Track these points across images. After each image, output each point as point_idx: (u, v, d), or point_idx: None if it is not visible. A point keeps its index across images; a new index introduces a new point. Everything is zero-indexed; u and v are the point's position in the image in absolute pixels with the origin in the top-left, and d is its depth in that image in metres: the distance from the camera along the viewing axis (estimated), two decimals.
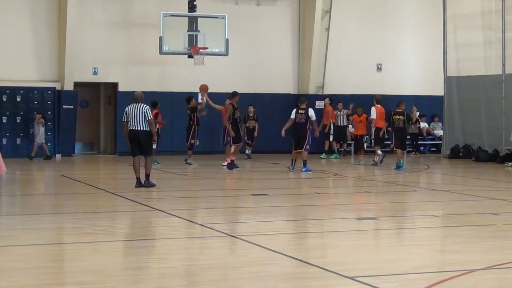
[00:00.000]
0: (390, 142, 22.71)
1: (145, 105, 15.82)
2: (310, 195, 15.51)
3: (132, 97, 16.10)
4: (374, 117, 22.29)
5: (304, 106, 20.13)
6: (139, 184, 15.82)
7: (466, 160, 25.20)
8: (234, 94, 21.30)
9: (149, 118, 15.71)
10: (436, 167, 23.33)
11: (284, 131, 20.41)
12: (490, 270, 8.14)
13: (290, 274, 8.09)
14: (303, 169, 19.89)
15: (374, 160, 22.30)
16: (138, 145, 15.81)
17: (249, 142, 24.69)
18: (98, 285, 7.46)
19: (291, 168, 20.28)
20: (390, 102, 29.13)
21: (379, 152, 22.34)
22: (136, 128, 15.66)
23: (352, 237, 10.63)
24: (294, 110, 20.38)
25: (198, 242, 10.08)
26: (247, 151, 24.91)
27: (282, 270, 8.21)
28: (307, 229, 11.42)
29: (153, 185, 15.90)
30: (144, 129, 15.66)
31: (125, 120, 15.83)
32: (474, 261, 8.60)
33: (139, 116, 15.61)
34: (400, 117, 21.37)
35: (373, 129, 22.39)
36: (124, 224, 11.87)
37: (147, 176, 15.91)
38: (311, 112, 20.11)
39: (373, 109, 22.45)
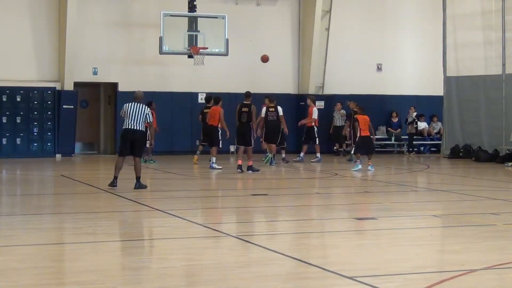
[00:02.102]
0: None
1: (146, 106, 15.68)
2: (310, 195, 15.51)
3: (134, 96, 15.84)
4: (316, 117, 23.72)
5: (273, 105, 21.96)
6: (116, 184, 15.50)
7: (466, 160, 25.20)
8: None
9: (150, 120, 15.61)
10: (436, 167, 23.33)
11: (260, 130, 22.14)
12: (490, 270, 8.14)
13: (290, 274, 8.10)
14: (267, 161, 21.93)
15: (299, 156, 23.69)
16: (131, 145, 15.52)
17: (282, 145, 23.20)
18: (98, 285, 7.46)
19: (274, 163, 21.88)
20: (390, 102, 29.29)
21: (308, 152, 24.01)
22: (134, 128, 15.42)
23: (352, 237, 10.64)
24: (264, 108, 22.13)
25: (198, 242, 10.07)
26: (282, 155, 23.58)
27: (282, 270, 8.21)
28: (307, 229, 11.41)
29: (144, 187, 15.63)
30: (142, 129, 15.49)
31: (121, 115, 15.74)
32: (474, 261, 8.60)
33: (139, 116, 15.41)
34: None
35: (316, 128, 23.96)
36: (124, 224, 11.87)
37: (139, 178, 15.57)
38: (280, 109, 21.99)
39: (315, 110, 23.80)
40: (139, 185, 15.55)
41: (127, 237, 10.58)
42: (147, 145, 22.56)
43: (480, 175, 20.27)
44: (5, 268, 8.09)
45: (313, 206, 13.83)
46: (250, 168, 19.76)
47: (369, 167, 20.26)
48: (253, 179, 18.60)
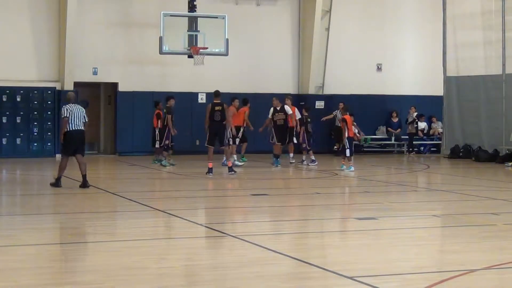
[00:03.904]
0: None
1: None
2: (310, 195, 15.50)
3: (68, 98, 16.16)
4: (290, 112, 23.03)
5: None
6: (60, 184, 15.81)
7: (466, 160, 25.21)
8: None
9: (87, 120, 16.18)
10: (436, 167, 23.33)
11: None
12: (490, 270, 8.14)
13: (290, 274, 8.10)
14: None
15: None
16: (78, 145, 15.93)
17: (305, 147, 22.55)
18: (98, 285, 7.46)
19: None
20: (390, 102, 29.28)
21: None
22: (81, 128, 15.89)
23: (352, 237, 10.64)
24: (272, 109, 22.16)
25: (198, 242, 10.07)
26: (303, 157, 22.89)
27: (282, 270, 8.21)
28: (307, 229, 11.42)
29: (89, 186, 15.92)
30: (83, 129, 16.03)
31: (67, 116, 15.78)
32: (474, 261, 8.60)
33: (81, 117, 15.89)
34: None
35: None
36: (124, 224, 11.86)
37: (85, 176, 15.90)
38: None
39: (288, 108, 23.16)
40: (87, 183, 15.79)
41: (127, 237, 10.57)
42: (157, 145, 22.50)
43: (480, 175, 20.26)
44: (5, 268, 8.09)
45: (313, 206, 13.82)
46: (230, 169, 19.23)
47: (351, 168, 20.44)
48: (253, 179, 18.59)
